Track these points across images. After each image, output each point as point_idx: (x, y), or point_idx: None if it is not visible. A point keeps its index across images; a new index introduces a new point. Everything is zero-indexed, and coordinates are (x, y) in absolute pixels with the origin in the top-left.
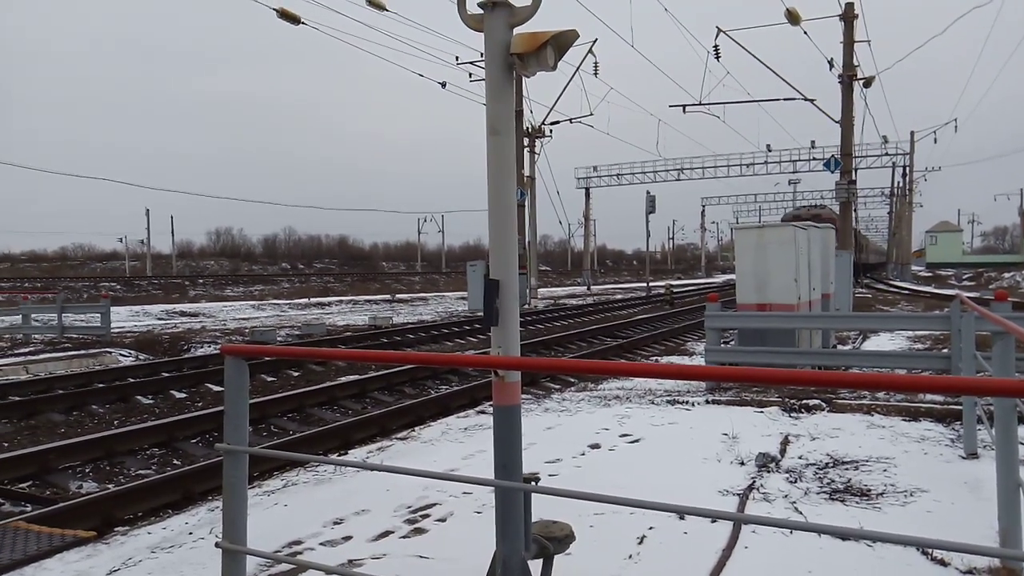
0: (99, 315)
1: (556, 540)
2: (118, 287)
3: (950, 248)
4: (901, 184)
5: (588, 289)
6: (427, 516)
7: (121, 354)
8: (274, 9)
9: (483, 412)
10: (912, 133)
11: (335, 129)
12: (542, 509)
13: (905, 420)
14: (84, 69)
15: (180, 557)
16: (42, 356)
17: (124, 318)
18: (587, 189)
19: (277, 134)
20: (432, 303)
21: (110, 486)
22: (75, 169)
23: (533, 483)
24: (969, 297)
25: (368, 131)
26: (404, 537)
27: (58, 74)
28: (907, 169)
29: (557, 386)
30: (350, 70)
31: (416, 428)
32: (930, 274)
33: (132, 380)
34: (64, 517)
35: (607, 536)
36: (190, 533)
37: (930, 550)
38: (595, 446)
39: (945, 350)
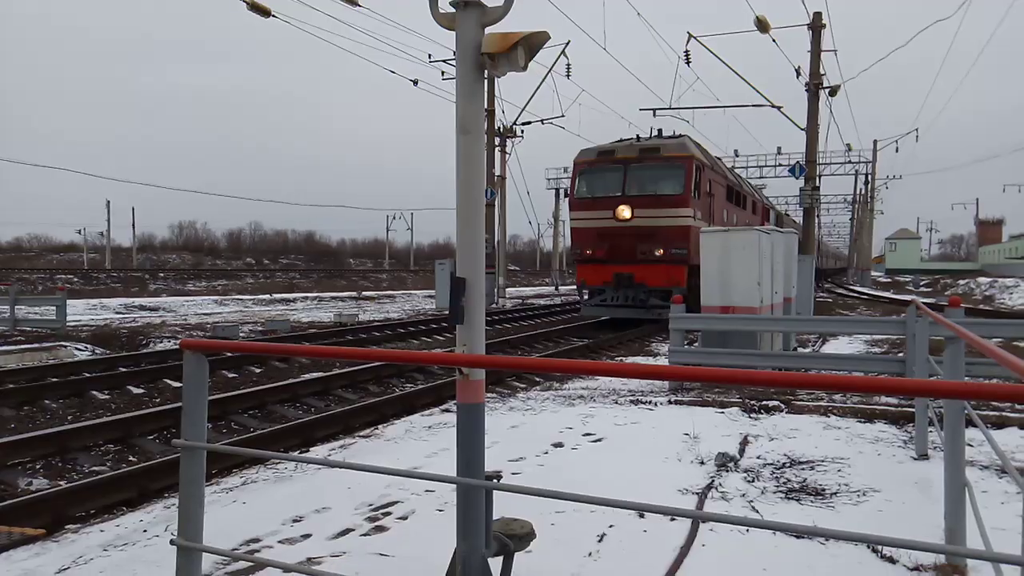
0: (54, 308)
1: (517, 538)
2: (75, 280)
3: (909, 255)
4: (863, 191)
5: (556, 289)
6: (388, 514)
7: (77, 348)
8: (244, 1)
9: (448, 411)
10: (875, 142)
11: (304, 124)
12: (504, 507)
13: (860, 422)
14: (43, 57)
15: (133, 555)
16: None
17: (81, 311)
18: (557, 190)
19: (244, 127)
20: (400, 301)
21: (62, 483)
22: (32, 157)
23: (495, 481)
24: (925, 303)
25: (338, 126)
26: (365, 535)
27: (14, 62)
28: (869, 177)
29: (523, 385)
30: (321, 65)
31: (380, 426)
32: (889, 280)
33: (88, 375)
34: (12, 515)
35: (567, 534)
36: (145, 531)
37: (880, 548)
38: (558, 445)
39: (901, 354)
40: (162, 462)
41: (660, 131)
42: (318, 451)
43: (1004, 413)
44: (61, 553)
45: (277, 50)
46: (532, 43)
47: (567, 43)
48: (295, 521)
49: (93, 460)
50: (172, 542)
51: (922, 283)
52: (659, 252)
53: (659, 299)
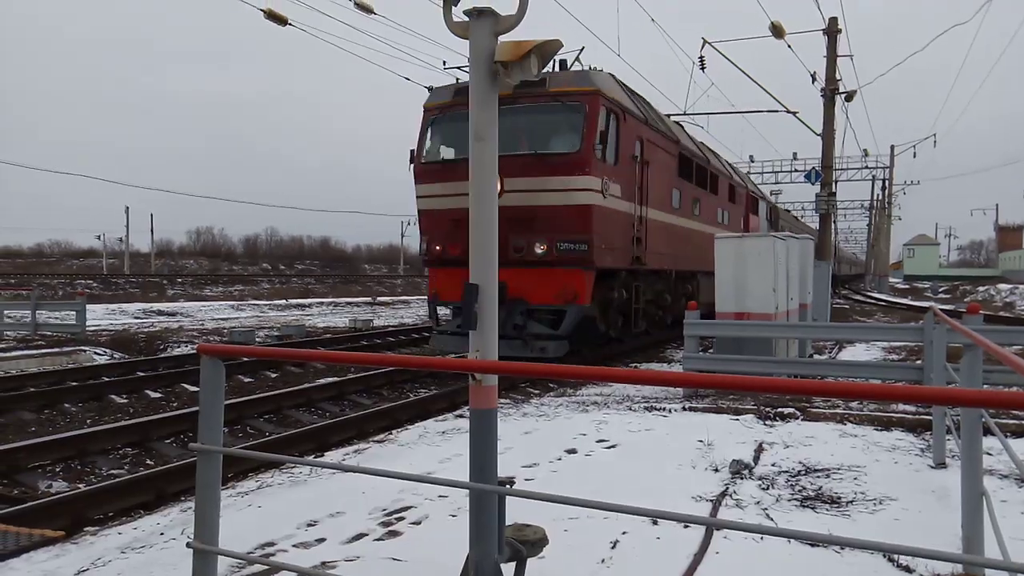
0: (74, 313)
1: (529, 544)
2: (95, 285)
3: (927, 261)
4: (880, 197)
5: None
6: (402, 519)
7: (96, 352)
8: (261, 10)
9: (461, 416)
10: (892, 147)
11: (320, 130)
12: (517, 513)
13: (877, 430)
14: (62, 63)
15: (151, 557)
16: (14, 353)
17: (100, 316)
18: None
19: (261, 134)
20: (414, 306)
21: (81, 486)
22: (53, 164)
23: (508, 486)
24: (943, 310)
25: (353, 132)
26: (378, 539)
27: (37, 67)
28: (886, 182)
29: (536, 391)
30: (337, 72)
31: (393, 431)
32: (907, 286)
33: (107, 379)
34: (32, 517)
35: (580, 540)
36: (161, 533)
37: (896, 556)
38: (572, 451)
39: (918, 361)
40: (179, 466)
41: (564, 62)
42: (333, 456)
43: (1023, 422)
44: (80, 555)
45: (292, 57)
46: (545, 51)
47: (581, 49)
48: (310, 525)
49: (111, 463)
50: (188, 545)
51: (941, 289)
52: (541, 248)
53: (545, 324)
